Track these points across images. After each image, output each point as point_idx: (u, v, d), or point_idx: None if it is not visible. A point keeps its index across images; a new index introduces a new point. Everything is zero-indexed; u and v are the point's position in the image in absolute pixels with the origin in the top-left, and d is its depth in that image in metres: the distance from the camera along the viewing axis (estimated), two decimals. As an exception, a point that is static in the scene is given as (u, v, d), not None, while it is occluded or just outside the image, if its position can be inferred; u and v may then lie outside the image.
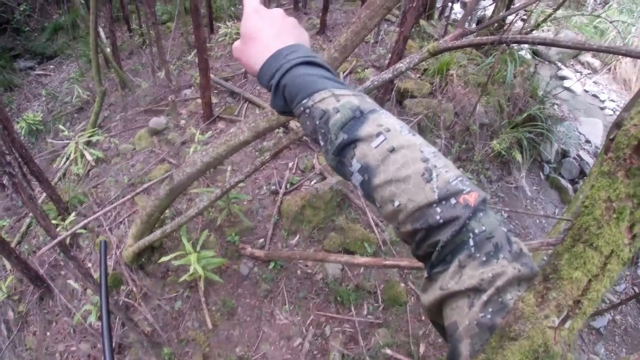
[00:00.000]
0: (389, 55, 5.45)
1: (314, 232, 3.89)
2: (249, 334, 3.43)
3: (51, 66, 8.44)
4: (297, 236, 3.86)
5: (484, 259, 0.48)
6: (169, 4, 7.68)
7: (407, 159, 0.53)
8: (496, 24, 6.90)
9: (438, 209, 0.50)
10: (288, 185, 4.10)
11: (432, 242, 0.51)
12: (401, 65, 2.48)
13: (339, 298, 3.56)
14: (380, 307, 3.61)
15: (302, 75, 0.62)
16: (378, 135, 0.55)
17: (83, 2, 5.36)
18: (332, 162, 0.60)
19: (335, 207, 3.97)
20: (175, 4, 6.34)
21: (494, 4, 7.45)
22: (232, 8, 7.21)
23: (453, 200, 0.50)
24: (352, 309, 3.56)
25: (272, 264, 3.69)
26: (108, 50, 5.58)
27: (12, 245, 3.70)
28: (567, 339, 0.41)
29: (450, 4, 7.62)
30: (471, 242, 0.49)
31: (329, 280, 3.65)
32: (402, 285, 3.71)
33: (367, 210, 4.03)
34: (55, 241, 2.28)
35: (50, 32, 8.98)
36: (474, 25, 7.97)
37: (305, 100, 0.60)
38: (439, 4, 8.32)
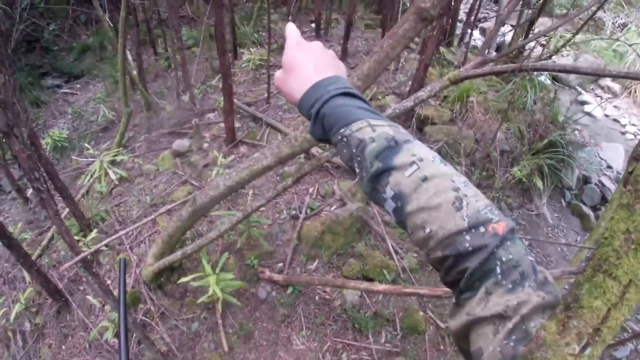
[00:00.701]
0: (410, 82, 5.50)
1: (333, 258, 3.88)
2: (265, 358, 3.40)
3: (78, 85, 8.65)
4: (316, 261, 3.86)
5: (510, 286, 0.49)
6: (194, 29, 7.86)
7: (438, 188, 0.55)
8: (515, 51, 6.93)
9: (467, 237, 0.52)
10: (308, 211, 4.11)
11: (461, 269, 0.52)
12: (422, 93, 2.50)
13: (356, 325, 3.53)
14: (398, 336, 3.56)
15: (341, 105, 0.66)
16: (411, 164, 0.58)
17: (111, 25, 5.52)
18: (367, 189, 0.63)
19: (355, 233, 3.97)
20: (200, 29, 6.50)
21: (513, 31, 7.49)
22: (255, 35, 7.36)
23: (482, 229, 0.52)
24: (370, 336, 3.52)
25: (290, 289, 3.68)
26: (135, 72, 5.73)
27: (33, 258, 3.73)
28: (587, 366, 0.42)
29: (469, 31, 7.67)
30: (498, 270, 0.50)
31: (347, 307, 3.63)
32: (421, 313, 3.67)
33: (386, 237, 4.01)
34: (79, 257, 2.31)
35: (78, 52, 9.23)
36: (493, 53, 8.01)
37: (343, 129, 0.64)
38: (458, 31, 8.39)
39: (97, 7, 5.10)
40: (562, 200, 6.07)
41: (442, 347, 3.57)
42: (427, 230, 0.55)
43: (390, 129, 0.62)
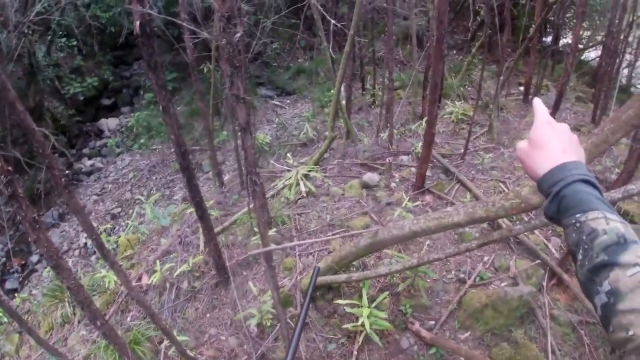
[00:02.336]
0: (617, 170, 4.97)
1: (486, 335, 3.68)
2: (382, 407, 3.35)
3: (287, 101, 9.79)
4: (469, 332, 3.71)
5: None
6: (403, 72, 8.31)
7: None
8: None
9: None
10: (477, 279, 4.00)
11: None
12: (633, 187, 2.30)
13: (487, 414, 3.30)
14: None
15: (581, 192, 0.70)
16: (635, 265, 0.58)
17: (333, 56, 6.15)
18: (582, 277, 0.65)
19: (518, 317, 3.71)
20: (409, 73, 6.84)
21: None
22: (461, 88, 7.44)
23: None
24: None
25: (433, 350, 3.59)
26: (343, 102, 6.27)
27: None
28: None
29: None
30: None
31: (483, 390, 3.40)
32: None
33: (548, 332, 3.66)
34: (267, 249, 2.62)
35: (293, 72, 10.44)
36: None
37: (579, 215, 0.67)
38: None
39: (322, 37, 5.70)
40: None
41: None
42: (631, 332, 0.55)
43: (622, 226, 0.64)
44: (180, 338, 3.57)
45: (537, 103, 0.86)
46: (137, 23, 2.51)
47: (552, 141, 0.79)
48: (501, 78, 6.61)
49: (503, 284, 3.94)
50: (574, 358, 3.63)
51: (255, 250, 2.69)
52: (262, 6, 8.29)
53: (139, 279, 4.44)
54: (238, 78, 2.40)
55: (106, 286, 4.40)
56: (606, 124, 2.30)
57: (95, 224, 6.25)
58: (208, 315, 4.01)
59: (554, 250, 4.27)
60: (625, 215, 4.60)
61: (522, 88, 7.78)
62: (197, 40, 5.29)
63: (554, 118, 0.83)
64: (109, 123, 10.61)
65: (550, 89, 8.09)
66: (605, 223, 0.65)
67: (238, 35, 2.21)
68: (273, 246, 2.89)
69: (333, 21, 4.55)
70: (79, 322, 4.27)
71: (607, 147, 2.43)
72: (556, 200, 0.73)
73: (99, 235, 2.66)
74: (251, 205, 3.78)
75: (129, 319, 4.11)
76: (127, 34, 8.64)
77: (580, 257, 0.66)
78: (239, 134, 2.85)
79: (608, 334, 0.61)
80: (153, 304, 4.12)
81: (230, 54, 2.29)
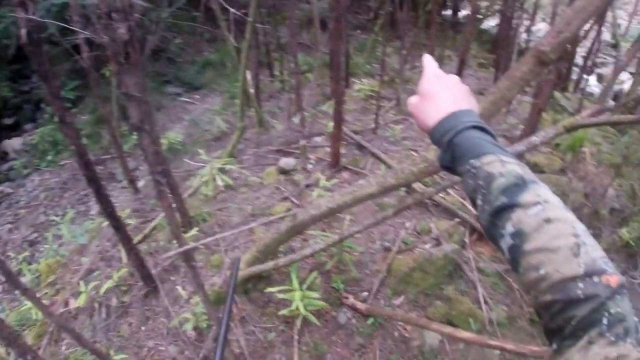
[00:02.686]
0: (521, 126, 5.34)
1: (419, 297, 3.82)
2: (333, 383, 3.39)
3: (197, 96, 9.41)
4: (402, 297, 3.83)
5: (613, 339, 0.49)
6: (309, 56, 8.29)
7: (559, 232, 0.56)
8: (633, 101, 6.45)
9: (581, 284, 0.52)
10: (402, 245, 4.11)
11: (568, 316, 0.52)
12: (535, 139, 2.44)
13: (432, 370, 3.43)
14: (473, 391, 3.41)
15: (474, 137, 0.69)
16: (536, 204, 0.58)
17: (235, 45, 5.99)
18: (485, 222, 0.64)
19: (446, 275, 3.89)
20: (315, 56, 6.84)
21: (633, 79, 6.97)
22: (368, 66, 7.59)
23: (596, 279, 0.52)
24: (444, 385, 3.41)
25: (370, 320, 3.66)
26: (252, 91, 6.13)
27: (134, 242, 3.95)
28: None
29: (585, 76, 7.27)
30: (605, 322, 0.50)
31: (425, 350, 3.53)
32: (502, 371, 3.48)
33: (478, 284, 3.88)
34: (183, 249, 2.50)
35: (200, 66, 10.04)
36: (611, 102, 7.49)
37: (473, 160, 0.66)
38: (573, 76, 7.98)
39: (223, 28, 5.56)
40: (674, 274, 5.43)
41: (516, 409, 3.35)
42: (542, 272, 0.55)
43: (519, 167, 0.64)
44: (118, 357, 3.44)
45: (426, 58, 0.85)
46: (24, 31, 2.37)
47: (441, 92, 0.78)
48: (404, 52, 6.84)
49: (427, 246, 4.09)
50: (506, 304, 3.87)
51: (171, 252, 2.56)
52: (159, 1, 7.84)
53: (66, 304, 4.14)
54: (127, 76, 2.26)
55: (34, 318, 4.04)
56: (502, 81, 2.39)
57: (13, 254, 5.76)
58: (143, 328, 3.84)
59: (471, 207, 4.47)
60: (533, 167, 4.96)
61: (425, 61, 8.06)
62: (93, 44, 4.91)
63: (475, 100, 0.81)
64: (13, 143, 9.58)
65: (453, 58, 8.49)
66: (501, 166, 0.64)
67: (122, 31, 2.08)
68: (187, 245, 2.76)
69: (232, 10, 4.43)
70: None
71: (505, 103, 2.53)
72: (449, 148, 0.72)
73: (4, 263, 2.40)
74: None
75: (63, 347, 3.83)
76: (19, 46, 7.80)
77: (480, 202, 0.65)
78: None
79: (519, 276, 0.60)
80: (85, 327, 3.91)
81: (115, 52, 2.15)
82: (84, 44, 4.48)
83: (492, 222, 0.63)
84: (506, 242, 0.60)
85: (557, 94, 6.50)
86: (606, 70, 9.91)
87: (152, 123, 2.99)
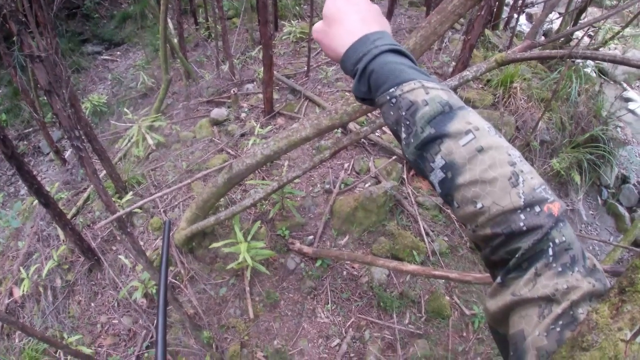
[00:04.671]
0: (453, 63, 5.37)
1: (363, 235, 3.87)
2: (288, 328, 3.47)
3: (118, 52, 8.78)
4: (347, 237, 3.86)
5: (560, 269, 0.47)
6: (236, 0, 7.87)
7: (494, 161, 0.51)
8: (563, 39, 6.69)
9: (522, 216, 0.49)
10: (342, 186, 4.10)
11: (512, 248, 0.50)
12: (467, 73, 2.44)
13: (382, 304, 3.54)
14: (422, 318, 3.56)
15: (390, 62, 0.60)
16: (467, 133, 0.53)
17: (154, -8, 5.55)
18: (412, 156, 0.58)
19: (388, 212, 3.94)
20: (242, 0, 6.48)
21: (561, 19, 7.22)
22: (297, 7, 7.33)
23: (537, 208, 0.49)
24: (394, 316, 3.53)
25: (319, 262, 3.71)
26: (175, 41, 5.78)
27: (68, 217, 3.82)
28: (637, 354, 0.40)
29: (515, 15, 7.41)
30: (550, 252, 0.48)
31: (374, 285, 3.63)
32: (447, 298, 3.65)
33: (419, 218, 3.97)
34: (114, 216, 2.36)
35: (119, 20, 9.32)
36: (542, 38, 7.75)
37: (392, 89, 0.58)
38: (504, 15, 8.13)
39: None
40: (599, 198, 5.89)
41: (464, 334, 3.54)
42: (479, 205, 0.51)
43: (444, 92, 0.57)
44: (73, 338, 3.36)
45: None
46: None
47: (348, 13, 0.67)
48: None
49: (367, 185, 4.11)
50: (447, 235, 4.02)
51: (102, 222, 2.37)
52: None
53: (11, 293, 3.96)
54: (27, 36, 2.08)
55: None
56: (432, 16, 2.33)
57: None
58: (92, 304, 3.77)
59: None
60: (466, 102, 5.02)
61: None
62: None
63: (389, 23, 0.67)
64: None
65: (383, -3, 8.35)
66: (425, 93, 0.56)
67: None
68: (119, 212, 2.58)
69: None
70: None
71: (436, 38, 2.48)
72: (364, 77, 0.63)
73: None
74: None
75: (16, 340, 3.69)
76: None
77: (404, 135, 0.58)
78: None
79: (454, 210, 0.56)
80: (34, 313, 3.78)
81: (12, 10, 1.88)
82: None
83: (420, 155, 0.57)
84: (437, 175, 0.55)
85: (487, 32, 6.58)
86: (535, 10, 10.19)
87: (66, 84, 2.71)
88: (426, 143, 0.55)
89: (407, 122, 0.57)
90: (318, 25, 0.71)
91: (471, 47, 4.50)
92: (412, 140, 0.57)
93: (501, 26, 7.61)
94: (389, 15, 6.08)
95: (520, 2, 7.16)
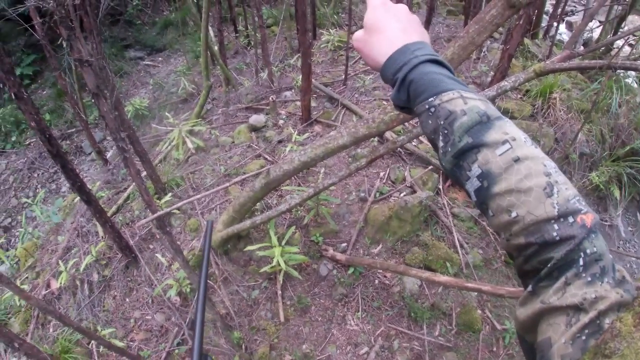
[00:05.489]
0: (491, 72, 5.32)
1: (397, 244, 3.88)
2: (318, 334, 3.49)
3: (159, 58, 9.07)
4: (380, 246, 3.87)
5: (589, 279, 0.48)
6: (274, 8, 8.01)
7: (530, 171, 0.52)
8: (603, 48, 6.51)
9: (556, 226, 0.50)
10: (377, 194, 4.12)
11: (544, 258, 0.51)
12: (506, 83, 2.43)
13: (412, 314, 3.52)
14: (452, 331, 3.51)
15: (430, 73, 0.62)
16: (504, 143, 0.54)
17: (195, 1, 5.73)
18: (448, 165, 0.60)
19: (422, 222, 3.94)
20: (280, 9, 6.60)
21: (601, 27, 7.03)
22: (335, 16, 7.40)
23: (571, 219, 0.50)
24: (424, 327, 3.50)
25: (351, 269, 3.73)
26: (216, 48, 5.93)
27: (108, 215, 3.92)
28: (658, 362, 0.41)
29: (555, 24, 7.26)
30: (581, 262, 0.48)
31: (406, 295, 3.62)
32: (479, 312, 3.59)
33: (453, 229, 3.95)
34: (155, 215, 2.45)
35: (161, 27, 9.63)
36: (581, 48, 7.56)
37: (432, 99, 0.60)
38: (543, 24, 7.97)
39: None
40: (638, 214, 5.67)
41: (495, 349, 3.47)
42: (514, 214, 0.52)
43: (482, 103, 0.58)
44: (107, 331, 3.46)
45: None
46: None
47: (389, 23, 0.69)
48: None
49: (402, 194, 4.11)
50: (481, 247, 3.97)
51: (143, 221, 2.47)
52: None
53: (48, 285, 4.09)
54: (77, 41, 2.14)
55: (18, 304, 3.98)
56: (471, 26, 2.33)
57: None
58: (127, 299, 3.86)
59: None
60: (504, 113, 4.95)
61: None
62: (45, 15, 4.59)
63: (427, 33, 0.72)
64: (-27, 130, 9.17)
65: (422, 5, 8.34)
66: (463, 103, 0.58)
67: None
68: (160, 212, 2.68)
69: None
70: (4, 350, 3.84)
71: (474, 48, 2.48)
72: (404, 86, 0.64)
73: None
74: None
75: (51, 329, 3.82)
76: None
77: (441, 144, 0.60)
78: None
79: (489, 219, 0.57)
80: (69, 305, 3.89)
81: (63, 17, 2.02)
82: (34, 13, 4.20)
83: (456, 164, 0.58)
84: (473, 184, 0.57)
85: (527, 41, 6.48)
86: (575, 18, 9.94)
87: (111, 88, 2.85)
88: (463, 152, 0.57)
89: (445, 131, 0.59)
90: (358, 34, 0.73)
91: (510, 57, 4.45)
92: (449, 149, 0.58)
93: (540, 35, 7.48)
94: (427, 24, 6.08)
95: (560, 10, 7.02)
